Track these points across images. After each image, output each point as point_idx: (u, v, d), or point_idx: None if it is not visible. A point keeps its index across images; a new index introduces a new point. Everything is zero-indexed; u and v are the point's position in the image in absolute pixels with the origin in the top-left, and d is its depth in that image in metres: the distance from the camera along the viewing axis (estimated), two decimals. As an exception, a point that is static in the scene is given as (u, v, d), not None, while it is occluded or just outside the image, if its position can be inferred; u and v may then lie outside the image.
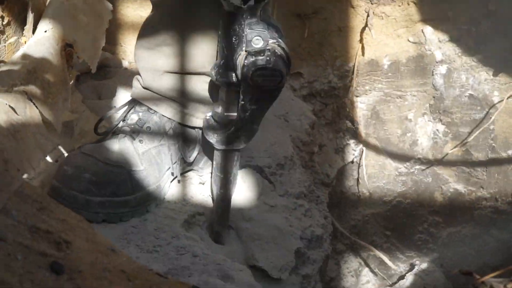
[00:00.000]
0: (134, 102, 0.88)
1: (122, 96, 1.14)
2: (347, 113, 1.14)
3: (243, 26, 0.69)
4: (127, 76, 1.19)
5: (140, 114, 0.87)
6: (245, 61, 0.68)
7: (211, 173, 0.88)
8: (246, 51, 0.69)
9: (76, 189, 0.80)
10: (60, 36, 0.87)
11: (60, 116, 0.86)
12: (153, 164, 0.87)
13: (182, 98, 0.85)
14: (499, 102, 1.14)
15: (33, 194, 0.68)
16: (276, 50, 0.68)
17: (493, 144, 1.15)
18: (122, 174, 0.82)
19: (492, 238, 1.16)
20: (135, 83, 0.89)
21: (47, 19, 0.89)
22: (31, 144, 0.77)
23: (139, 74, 0.89)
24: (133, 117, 0.87)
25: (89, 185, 0.80)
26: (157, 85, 0.85)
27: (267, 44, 0.68)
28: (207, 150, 0.88)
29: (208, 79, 0.81)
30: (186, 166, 0.92)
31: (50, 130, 0.81)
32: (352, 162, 1.16)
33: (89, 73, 1.15)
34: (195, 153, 0.90)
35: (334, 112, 1.15)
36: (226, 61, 0.72)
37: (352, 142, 1.15)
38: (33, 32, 0.94)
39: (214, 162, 0.83)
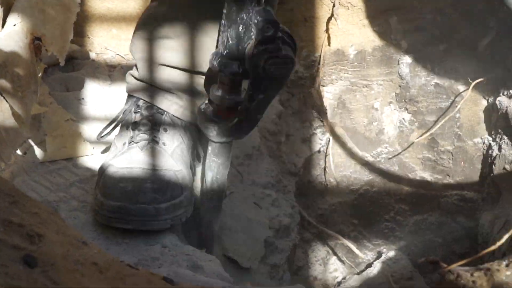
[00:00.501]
0: (131, 100, 0.87)
1: (90, 88, 1.15)
2: (313, 102, 1.15)
3: (251, 14, 0.67)
4: (95, 68, 1.19)
5: (143, 113, 0.86)
6: (255, 49, 0.66)
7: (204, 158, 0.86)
8: (257, 39, 0.66)
9: (143, 202, 0.78)
10: (28, 30, 0.88)
11: (30, 109, 0.87)
12: (183, 163, 0.86)
13: (179, 92, 0.84)
14: (465, 90, 1.15)
15: (5, 187, 0.70)
16: (285, 37, 0.67)
17: (459, 133, 1.17)
18: (172, 176, 0.81)
19: (459, 226, 1.18)
20: (128, 78, 0.87)
21: (15, 13, 0.90)
22: (1, 138, 0.79)
23: (130, 69, 0.88)
24: (137, 116, 0.86)
25: (154, 194, 0.79)
26: (153, 77, 0.83)
27: (277, 32, 0.66)
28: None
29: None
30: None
31: (20, 124, 0.82)
32: (319, 151, 1.16)
33: (57, 65, 1.15)
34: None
35: (300, 102, 1.15)
36: (230, 51, 0.70)
37: (319, 131, 1.16)
38: (2, 26, 0.95)
39: (209, 148, 0.80)
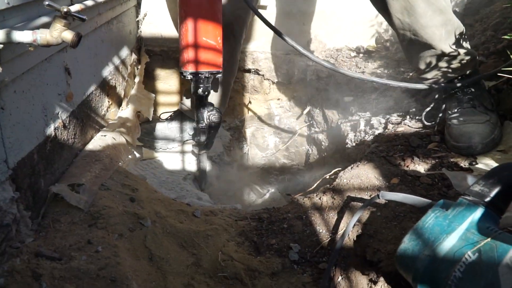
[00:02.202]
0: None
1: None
2: (243, 135, 3.04)
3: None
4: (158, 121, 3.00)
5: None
6: (208, 114, 2.29)
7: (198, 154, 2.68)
8: (207, 110, 2.29)
9: None
10: (134, 109, 2.58)
11: (135, 139, 2.62)
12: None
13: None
14: (299, 129, 3.08)
15: (123, 170, 1.65)
16: (217, 110, 2.33)
17: (296, 145, 3.09)
18: None
19: (297, 180, 3.11)
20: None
21: (129, 102, 2.47)
22: (121, 151, 1.97)
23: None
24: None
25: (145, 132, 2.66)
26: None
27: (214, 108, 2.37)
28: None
29: None
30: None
31: (130, 146, 2.49)
32: (245, 153, 3.06)
33: (145, 121, 2.94)
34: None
35: (238, 134, 3.04)
36: (199, 119, 2.34)
37: (245, 145, 3.06)
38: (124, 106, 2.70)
39: (199, 157, 2.61)
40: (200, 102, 2.21)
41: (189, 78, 2.14)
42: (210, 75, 2.11)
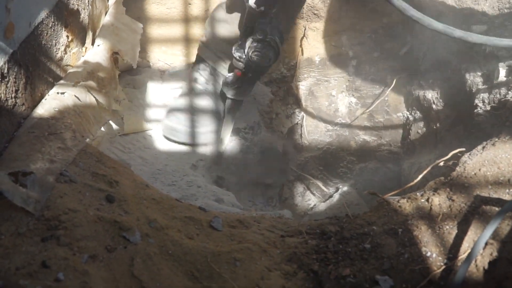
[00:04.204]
0: (200, 62, 2.75)
1: (149, 85, 3.01)
2: (293, 92, 3.07)
3: (255, 23, 2.36)
4: (151, 73, 3.05)
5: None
6: (249, 44, 2.39)
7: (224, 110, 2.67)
8: (252, 38, 2.38)
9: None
10: (109, 48, 2.39)
11: (111, 100, 2.61)
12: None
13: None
14: (391, 83, 3.05)
15: (93, 151, 1.76)
16: (271, 42, 2.40)
17: (388, 109, 3.08)
18: None
19: (388, 170, 3.11)
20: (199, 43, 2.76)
21: (100, 37, 2.39)
22: (90, 119, 1.98)
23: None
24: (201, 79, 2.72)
25: None
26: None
27: (266, 37, 2.36)
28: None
29: None
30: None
31: (103, 110, 2.20)
32: (297, 123, 3.09)
33: (127, 71, 3.00)
34: None
35: (284, 92, 3.07)
36: (242, 43, 2.44)
37: (296, 111, 3.08)
38: (92, 44, 2.71)
39: (226, 104, 2.63)
40: (250, 19, 2.40)
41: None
42: None
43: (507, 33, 2.35)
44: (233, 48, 2.48)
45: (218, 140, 2.73)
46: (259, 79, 2.67)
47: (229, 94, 2.61)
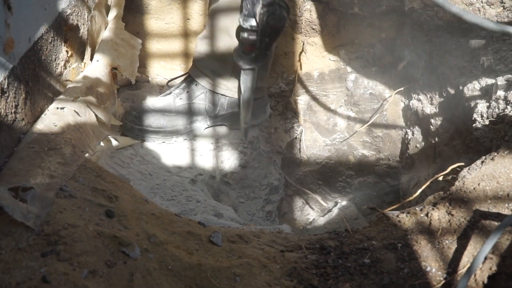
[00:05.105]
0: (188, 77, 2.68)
1: (148, 100, 3.02)
2: (291, 106, 3.08)
3: None
4: (150, 87, 3.06)
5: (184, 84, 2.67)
6: (262, 10, 2.28)
7: (238, 86, 2.59)
8: (262, 3, 2.29)
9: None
10: (108, 63, 2.40)
11: (110, 115, 2.60)
12: (184, 114, 2.70)
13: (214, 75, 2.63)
14: (389, 97, 3.06)
15: (93, 166, 1.76)
16: (281, 3, 2.32)
17: (386, 124, 3.09)
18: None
19: (387, 184, 3.11)
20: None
21: (99, 52, 2.38)
22: (89, 134, 2.01)
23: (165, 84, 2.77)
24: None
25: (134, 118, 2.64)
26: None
27: (275, 0, 2.30)
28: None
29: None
30: (214, 120, 2.72)
31: (102, 126, 2.23)
32: (296, 138, 3.10)
33: (126, 86, 3.00)
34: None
35: (283, 106, 3.08)
36: (248, 12, 2.27)
37: (295, 125, 3.09)
38: (91, 60, 2.70)
39: (241, 78, 2.52)
40: None
41: None
42: None
43: (505, 47, 2.37)
44: (240, 20, 2.38)
45: (241, 116, 2.68)
46: (275, 41, 2.56)
47: (247, 65, 2.50)
